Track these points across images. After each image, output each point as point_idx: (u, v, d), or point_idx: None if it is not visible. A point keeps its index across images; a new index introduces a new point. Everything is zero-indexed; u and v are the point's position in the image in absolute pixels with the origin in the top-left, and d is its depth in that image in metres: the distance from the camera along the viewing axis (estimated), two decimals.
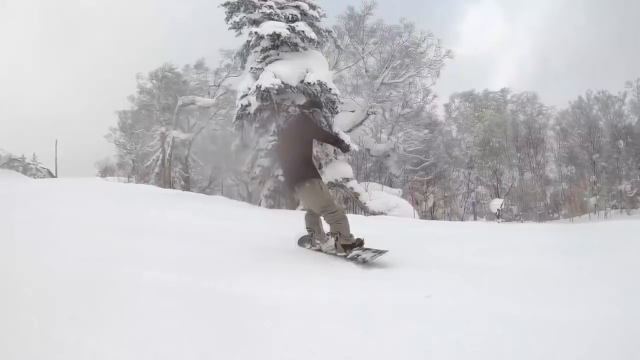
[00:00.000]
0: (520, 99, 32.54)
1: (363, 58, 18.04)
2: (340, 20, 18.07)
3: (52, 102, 43.87)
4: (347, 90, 18.24)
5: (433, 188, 25.23)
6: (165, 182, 18.79)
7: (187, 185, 24.72)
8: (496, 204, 15.96)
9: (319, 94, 10.67)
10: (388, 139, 20.83)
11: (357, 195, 11.39)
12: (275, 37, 10.95)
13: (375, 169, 20.34)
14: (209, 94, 20.79)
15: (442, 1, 55.86)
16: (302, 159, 3.73)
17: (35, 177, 22.39)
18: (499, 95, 32.21)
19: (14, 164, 26.05)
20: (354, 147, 11.66)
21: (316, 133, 3.91)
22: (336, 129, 11.64)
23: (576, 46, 48.36)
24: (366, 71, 18.35)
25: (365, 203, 11.37)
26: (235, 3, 11.85)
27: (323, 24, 12.91)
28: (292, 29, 10.76)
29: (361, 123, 17.97)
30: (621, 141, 20.60)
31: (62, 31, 54.56)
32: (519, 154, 22.73)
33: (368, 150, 20.50)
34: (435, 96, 25.07)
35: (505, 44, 57.93)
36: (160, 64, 24.67)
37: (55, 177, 21.98)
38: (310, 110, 4.03)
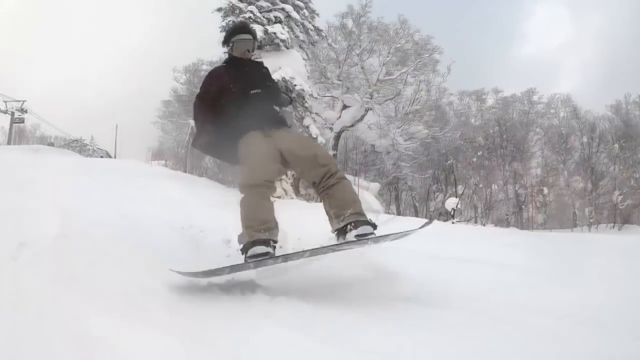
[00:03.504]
0: (553, 101, 30.69)
1: (359, 55, 18.47)
2: (337, 19, 18.61)
3: (119, 91, 48.49)
4: (347, 86, 18.73)
5: (443, 186, 24.85)
6: (184, 166, 20.55)
7: (219, 171, 26.57)
8: (451, 203, 15.46)
9: (289, 90, 11.45)
10: (396, 135, 20.99)
11: None
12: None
13: (369, 162, 20.73)
14: None
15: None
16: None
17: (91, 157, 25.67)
18: (524, 95, 30.76)
19: (73, 144, 29.83)
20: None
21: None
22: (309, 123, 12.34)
23: None
24: (362, 68, 18.72)
25: None
26: (229, 8, 12.92)
27: (321, 23, 13.70)
28: (266, 31, 11.62)
29: (362, 118, 18.44)
30: (616, 145, 18.81)
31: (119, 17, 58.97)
32: (488, 153, 21.59)
33: (373, 145, 20.88)
34: (451, 94, 24.92)
35: (571, 45, 54.30)
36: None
37: (114, 158, 25.01)
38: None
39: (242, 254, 2.15)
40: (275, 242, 2.21)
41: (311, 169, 2.33)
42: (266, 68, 2.83)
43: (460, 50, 43.73)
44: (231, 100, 2.52)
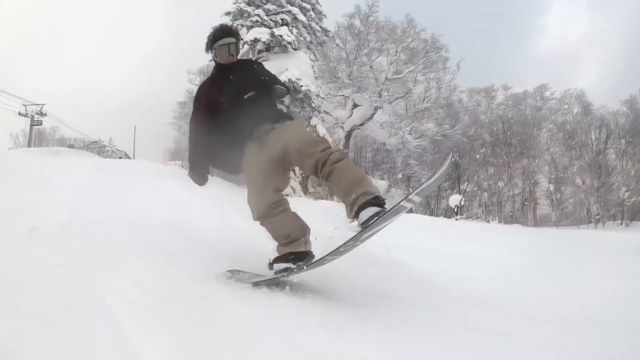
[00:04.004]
0: (566, 96, 29.81)
1: (367, 54, 18.43)
2: (346, 19, 18.58)
3: (136, 93, 49.31)
4: (357, 85, 18.70)
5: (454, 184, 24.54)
6: None
7: None
8: (455, 199, 15.19)
9: (296, 91, 11.47)
10: (405, 133, 20.88)
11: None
12: (261, 42, 11.93)
13: (379, 160, 20.69)
14: None
15: None
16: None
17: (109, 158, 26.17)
18: (536, 92, 29.95)
19: (92, 146, 30.35)
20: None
21: None
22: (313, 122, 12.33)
23: None
24: (371, 67, 18.68)
25: None
26: (237, 12, 12.98)
27: (330, 23, 13.66)
28: (273, 34, 11.63)
29: (371, 117, 18.40)
30: (622, 140, 18.13)
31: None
32: (491, 150, 21.22)
33: (384, 144, 20.80)
34: (462, 91, 24.67)
35: (589, 40, 53.04)
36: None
37: (132, 158, 25.44)
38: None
39: (270, 268, 2.22)
40: (299, 252, 2.19)
41: (304, 161, 2.17)
42: (258, 64, 2.67)
43: (477, 46, 43.09)
44: (223, 114, 2.37)
